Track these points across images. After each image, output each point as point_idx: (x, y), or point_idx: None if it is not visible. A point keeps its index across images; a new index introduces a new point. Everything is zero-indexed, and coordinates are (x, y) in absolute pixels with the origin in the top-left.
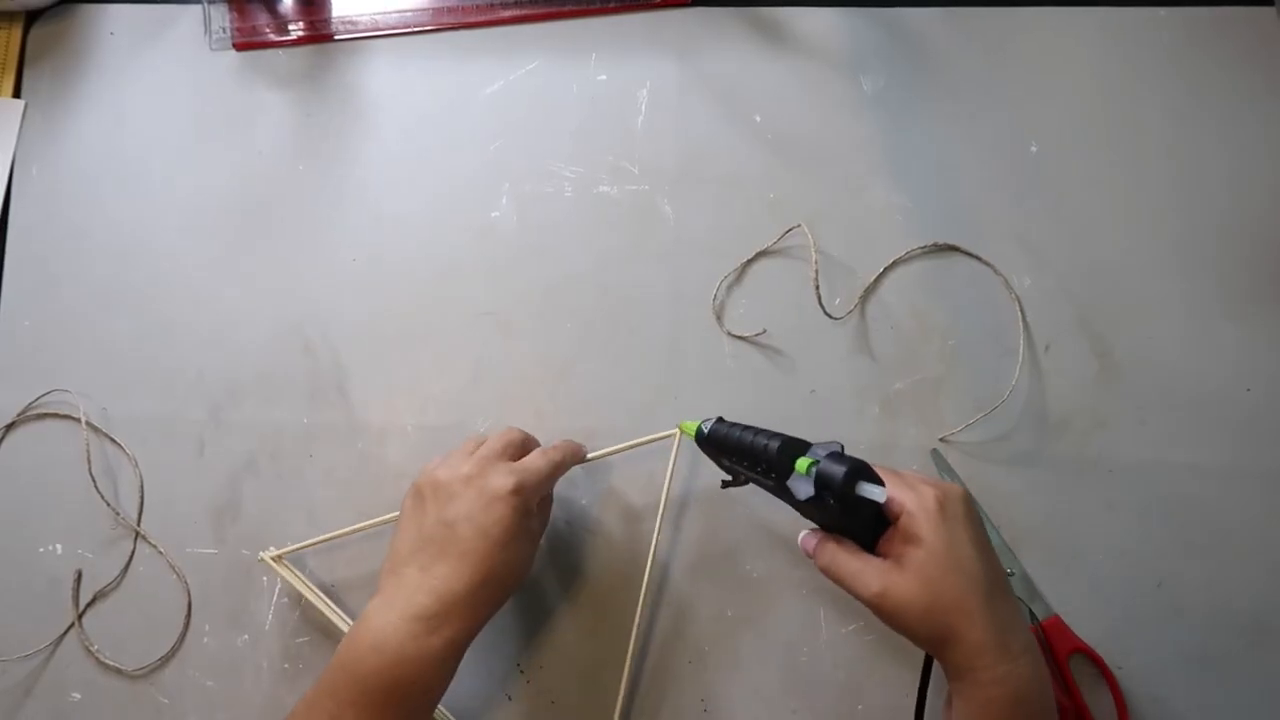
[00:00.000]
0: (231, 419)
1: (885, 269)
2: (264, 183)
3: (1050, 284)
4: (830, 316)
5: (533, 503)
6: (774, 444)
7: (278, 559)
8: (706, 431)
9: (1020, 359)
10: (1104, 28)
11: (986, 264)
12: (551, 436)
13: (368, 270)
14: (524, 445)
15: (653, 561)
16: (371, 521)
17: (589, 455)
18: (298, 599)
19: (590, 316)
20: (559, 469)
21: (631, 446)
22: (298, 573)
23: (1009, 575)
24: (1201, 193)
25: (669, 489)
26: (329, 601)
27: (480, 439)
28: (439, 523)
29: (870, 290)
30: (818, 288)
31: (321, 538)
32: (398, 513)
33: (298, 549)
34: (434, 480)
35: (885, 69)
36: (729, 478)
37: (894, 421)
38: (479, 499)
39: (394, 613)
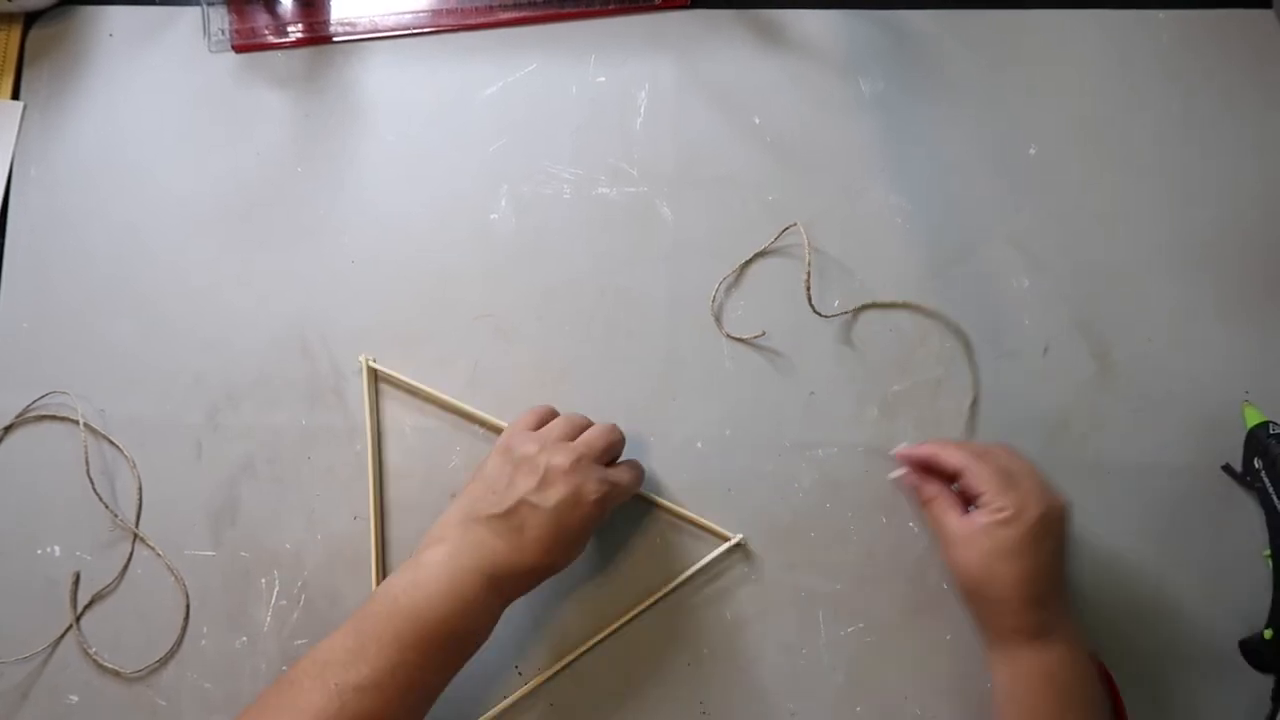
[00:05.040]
0: (230, 421)
1: (883, 274)
2: (262, 184)
3: (1048, 286)
4: (819, 314)
5: (606, 514)
6: None
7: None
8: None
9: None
10: (1102, 30)
11: (904, 305)
12: None
13: (366, 272)
14: (618, 448)
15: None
16: (487, 417)
17: (658, 499)
18: (296, 600)
19: (589, 318)
20: (636, 488)
21: (689, 520)
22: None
23: None
24: (1201, 195)
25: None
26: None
27: (576, 419)
28: (525, 502)
29: (869, 295)
30: (809, 288)
31: (428, 389)
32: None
33: (396, 375)
34: (529, 458)
35: (884, 71)
36: (1240, 471)
37: (892, 423)
38: (570, 498)
39: (466, 565)
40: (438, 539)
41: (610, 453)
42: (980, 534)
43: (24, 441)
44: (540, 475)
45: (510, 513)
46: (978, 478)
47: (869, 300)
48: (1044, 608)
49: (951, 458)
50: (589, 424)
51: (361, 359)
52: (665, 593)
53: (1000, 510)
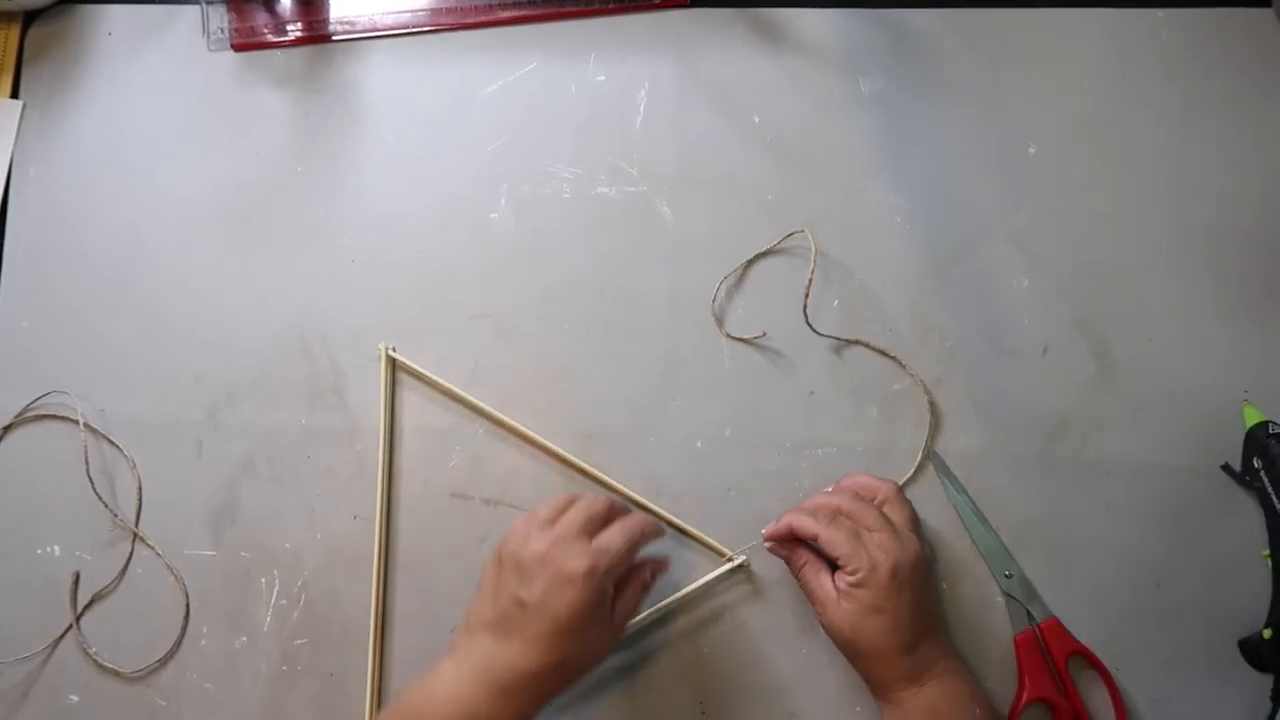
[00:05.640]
0: (229, 421)
1: (883, 273)
2: (262, 184)
3: (1048, 285)
4: (813, 330)
5: (608, 584)
6: None
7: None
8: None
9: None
10: (1102, 29)
11: (891, 358)
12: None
13: (366, 272)
14: (607, 518)
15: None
16: (502, 418)
17: (664, 531)
18: (297, 599)
19: (588, 318)
20: (635, 545)
21: (691, 536)
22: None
23: (1007, 577)
24: (1201, 194)
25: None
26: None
27: (566, 502)
28: (513, 600)
29: (869, 296)
30: (807, 297)
31: (445, 382)
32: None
33: (415, 365)
34: (513, 553)
35: (884, 70)
36: (1239, 471)
37: (892, 424)
38: (552, 582)
39: (470, 675)
40: (450, 648)
41: (592, 526)
42: (843, 597)
43: (24, 441)
44: (521, 570)
45: (504, 616)
46: (830, 543)
47: (863, 328)
48: (915, 652)
49: (806, 528)
50: (581, 500)
51: (381, 347)
52: (665, 606)
53: (854, 572)
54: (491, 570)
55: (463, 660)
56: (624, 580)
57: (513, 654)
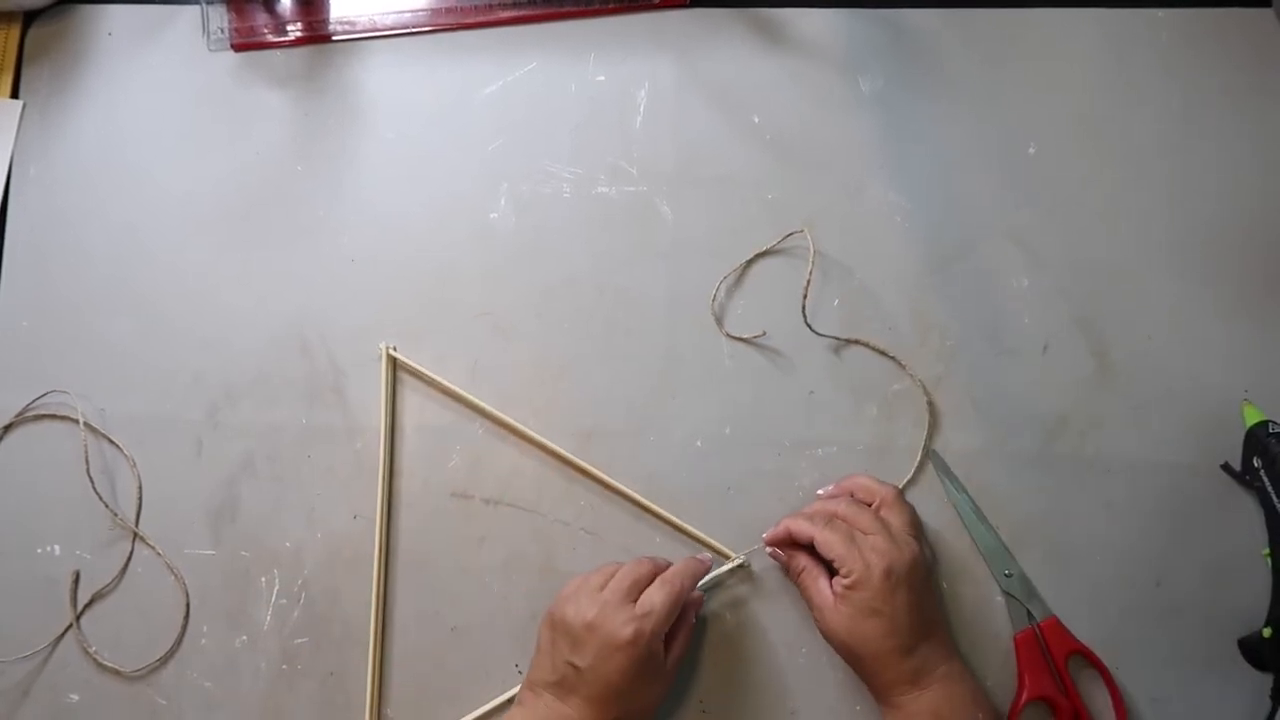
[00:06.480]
0: (229, 420)
1: (883, 271)
2: (262, 183)
3: (1048, 284)
4: (812, 330)
5: (656, 643)
6: None
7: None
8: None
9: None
10: (1102, 29)
11: (891, 358)
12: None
13: (365, 271)
14: (651, 579)
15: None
16: (502, 417)
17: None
18: (296, 598)
19: (588, 317)
20: (679, 596)
21: (692, 536)
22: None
23: (1007, 576)
24: (1200, 193)
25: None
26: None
27: (613, 568)
28: (567, 663)
29: (868, 295)
30: (805, 297)
31: (446, 381)
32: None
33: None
34: (563, 619)
35: (883, 70)
36: (1239, 470)
37: (892, 422)
38: (601, 649)
39: None
40: (518, 701)
41: (637, 591)
42: (839, 600)
43: (24, 440)
44: (572, 637)
45: (562, 679)
46: (825, 546)
47: (862, 327)
48: (914, 654)
49: (803, 531)
50: (627, 565)
51: (382, 346)
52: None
53: (849, 574)
54: (546, 633)
55: (530, 713)
56: (673, 628)
57: (573, 709)
